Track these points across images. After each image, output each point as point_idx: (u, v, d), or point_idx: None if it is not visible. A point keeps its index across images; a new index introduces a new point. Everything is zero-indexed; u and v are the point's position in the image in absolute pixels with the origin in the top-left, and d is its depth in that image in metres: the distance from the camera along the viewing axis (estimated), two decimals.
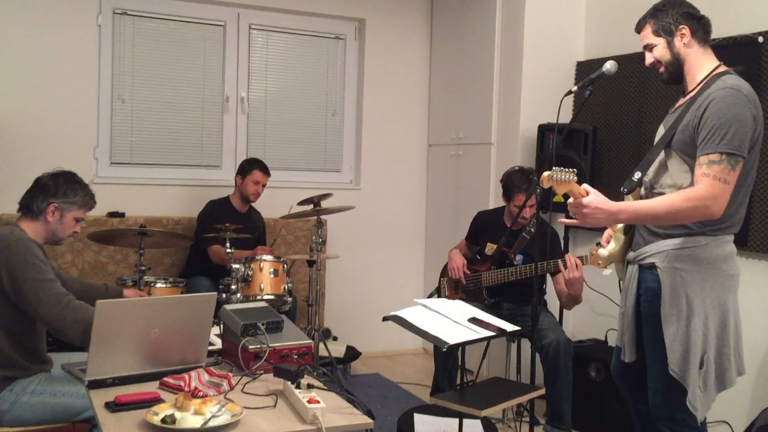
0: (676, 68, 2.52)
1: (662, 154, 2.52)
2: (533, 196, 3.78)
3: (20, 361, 2.59)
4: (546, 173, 2.33)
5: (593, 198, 2.34)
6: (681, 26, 2.48)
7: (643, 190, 2.61)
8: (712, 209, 2.30)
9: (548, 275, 3.79)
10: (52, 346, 3.13)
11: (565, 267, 3.46)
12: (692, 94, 2.48)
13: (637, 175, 2.57)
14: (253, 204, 4.71)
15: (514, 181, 3.86)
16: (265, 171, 4.59)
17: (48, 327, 2.60)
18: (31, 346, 2.66)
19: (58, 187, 2.73)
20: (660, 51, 2.52)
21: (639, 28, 2.59)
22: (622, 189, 2.62)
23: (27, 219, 2.71)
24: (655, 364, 2.52)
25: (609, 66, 2.76)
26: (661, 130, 2.63)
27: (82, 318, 2.47)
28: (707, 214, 2.31)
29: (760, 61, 3.45)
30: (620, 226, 2.64)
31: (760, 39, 3.44)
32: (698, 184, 2.32)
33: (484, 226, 4.12)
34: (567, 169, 2.35)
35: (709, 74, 2.47)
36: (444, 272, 4.23)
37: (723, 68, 2.49)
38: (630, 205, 2.39)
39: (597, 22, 4.61)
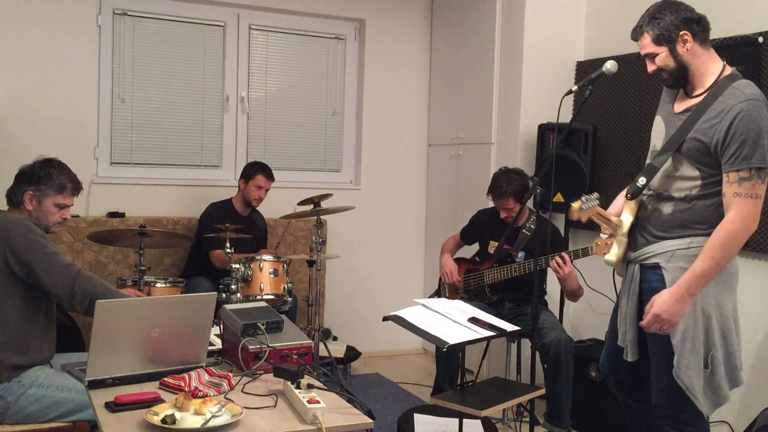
0: (682, 74, 2.48)
1: (669, 160, 2.50)
2: (507, 200, 3.82)
3: (28, 344, 2.62)
4: (575, 205, 2.45)
5: (659, 301, 2.37)
6: (682, 32, 2.43)
7: (645, 191, 2.59)
8: (752, 227, 2.34)
9: (549, 272, 3.81)
10: None
11: (558, 266, 3.52)
12: (701, 98, 2.45)
13: (642, 180, 2.54)
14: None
15: (493, 181, 3.93)
16: (270, 176, 4.56)
17: (58, 300, 2.66)
18: (45, 327, 2.69)
19: (32, 174, 2.74)
20: (663, 59, 2.47)
21: (636, 37, 2.52)
22: (626, 194, 2.61)
23: (13, 209, 2.77)
24: (659, 364, 2.51)
25: (609, 66, 2.75)
26: (659, 124, 2.60)
27: (91, 290, 2.57)
28: (750, 233, 2.35)
29: (760, 61, 3.44)
30: (625, 229, 2.63)
31: (760, 39, 3.44)
32: (731, 209, 2.33)
33: (485, 225, 4.13)
34: (590, 196, 2.43)
35: (717, 77, 2.44)
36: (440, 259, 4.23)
37: (729, 70, 2.46)
38: (690, 277, 2.36)
39: (597, 22, 4.61)
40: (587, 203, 2.46)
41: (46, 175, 2.74)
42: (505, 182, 3.84)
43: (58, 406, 2.55)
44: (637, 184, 2.55)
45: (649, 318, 2.39)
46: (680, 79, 2.50)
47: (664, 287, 2.45)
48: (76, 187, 2.82)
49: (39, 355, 2.66)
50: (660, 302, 2.37)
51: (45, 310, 2.71)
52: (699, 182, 2.43)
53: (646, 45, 2.49)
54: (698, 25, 2.45)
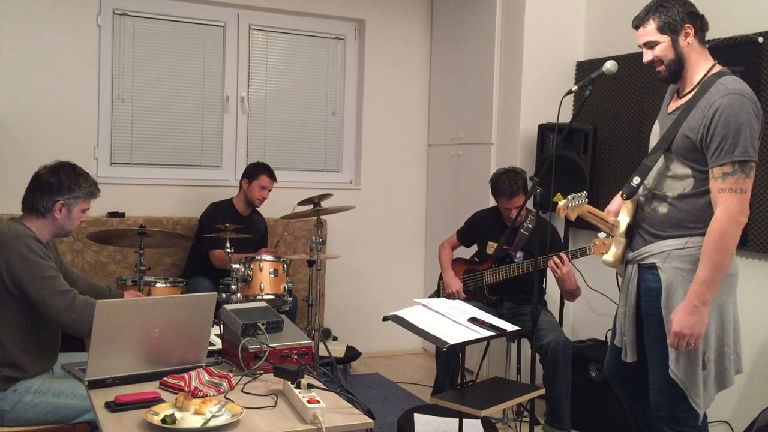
0: (678, 68, 2.49)
1: (662, 159, 2.51)
2: (519, 198, 3.81)
3: (24, 361, 2.58)
4: (561, 203, 2.46)
5: (676, 319, 2.36)
6: (686, 25, 2.44)
7: (641, 190, 2.60)
8: (741, 221, 2.33)
9: (549, 272, 3.80)
10: None
11: (556, 265, 3.51)
12: (689, 96, 2.47)
13: (636, 180, 2.55)
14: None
15: (497, 185, 3.90)
16: (272, 176, 4.56)
17: (55, 323, 2.61)
18: (40, 339, 2.64)
19: (61, 184, 2.69)
20: (663, 49, 2.48)
21: (640, 23, 2.52)
22: (621, 195, 2.62)
23: (33, 217, 2.69)
24: (656, 364, 2.51)
25: (609, 66, 2.75)
26: (656, 129, 2.62)
27: (90, 313, 2.46)
28: (741, 226, 2.33)
29: (760, 61, 3.45)
30: (622, 229, 2.64)
31: (760, 39, 3.44)
32: (717, 206, 2.33)
33: (483, 226, 4.12)
34: (578, 194, 2.43)
35: (705, 75, 2.46)
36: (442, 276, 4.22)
37: (718, 68, 2.48)
38: (696, 286, 2.34)
39: (597, 22, 4.61)
40: (573, 201, 2.48)
41: (76, 183, 2.71)
42: (512, 180, 3.84)
43: (55, 412, 2.53)
44: (632, 183, 2.56)
45: (672, 338, 2.38)
46: (675, 73, 2.51)
47: (661, 287, 2.46)
48: (98, 191, 2.83)
49: (37, 368, 2.62)
50: (677, 320, 2.36)
51: (46, 322, 2.64)
52: (691, 180, 2.44)
53: (649, 32, 2.49)
54: (701, 23, 2.48)
